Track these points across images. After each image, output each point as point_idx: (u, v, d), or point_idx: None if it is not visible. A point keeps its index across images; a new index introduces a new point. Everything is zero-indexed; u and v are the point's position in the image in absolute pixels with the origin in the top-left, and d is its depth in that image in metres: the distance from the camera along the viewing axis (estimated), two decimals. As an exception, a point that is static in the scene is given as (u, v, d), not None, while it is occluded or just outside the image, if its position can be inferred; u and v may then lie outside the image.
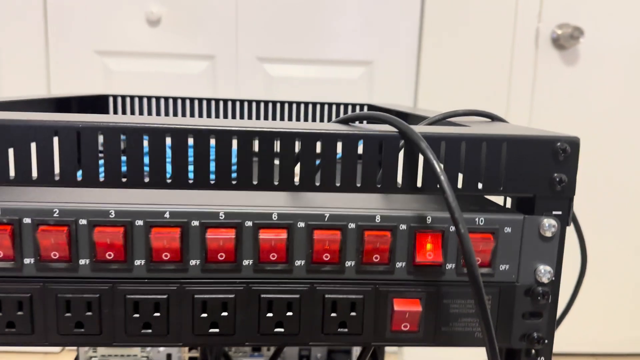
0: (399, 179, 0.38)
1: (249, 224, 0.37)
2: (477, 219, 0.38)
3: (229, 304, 0.37)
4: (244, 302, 0.37)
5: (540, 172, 0.38)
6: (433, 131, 0.38)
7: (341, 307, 0.38)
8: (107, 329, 0.37)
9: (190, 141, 0.36)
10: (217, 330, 0.37)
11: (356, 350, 0.75)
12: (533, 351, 0.40)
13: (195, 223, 0.36)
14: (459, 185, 0.38)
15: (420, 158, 0.37)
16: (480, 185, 0.38)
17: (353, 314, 0.38)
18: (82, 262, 0.36)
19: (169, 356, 0.71)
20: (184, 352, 0.71)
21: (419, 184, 0.38)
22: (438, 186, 0.35)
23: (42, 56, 1.46)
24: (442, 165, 0.36)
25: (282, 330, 0.38)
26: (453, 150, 0.38)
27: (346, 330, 0.38)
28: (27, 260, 0.36)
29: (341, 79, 1.49)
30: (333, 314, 0.38)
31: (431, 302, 0.39)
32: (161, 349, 0.71)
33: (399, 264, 0.38)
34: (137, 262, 0.36)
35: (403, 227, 0.38)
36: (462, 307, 0.39)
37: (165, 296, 0.37)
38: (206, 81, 1.48)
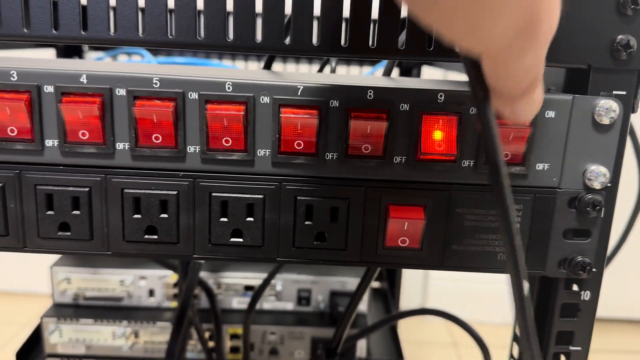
0: (401, 40, 0.28)
1: (193, 95, 0.27)
2: (507, 101, 0.28)
3: (170, 203, 0.28)
4: (189, 201, 0.28)
5: (598, 33, 0.27)
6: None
7: (318, 213, 0.28)
8: (14, 229, 0.28)
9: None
10: (155, 236, 0.29)
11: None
12: (575, 285, 0.30)
13: (122, 91, 0.27)
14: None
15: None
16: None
17: (334, 223, 0.29)
18: (-25, 139, 0.27)
19: (151, 292, 0.64)
20: (168, 288, 0.64)
21: (430, 44, 0.27)
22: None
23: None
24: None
25: (240, 240, 0.29)
26: None
27: (325, 244, 0.29)
28: None
29: None
30: (308, 222, 0.29)
31: (439, 211, 0.29)
32: (142, 283, 0.64)
33: (397, 158, 0.28)
34: (49, 143, 0.28)
35: (405, 106, 0.27)
36: (482, 220, 0.29)
37: (86, 189, 0.28)
38: None
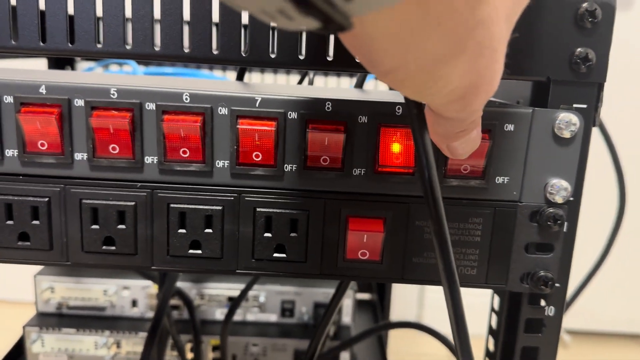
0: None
1: (150, 106, 0.27)
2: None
3: (128, 213, 0.28)
4: (147, 212, 0.28)
5: (556, 46, 0.27)
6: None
7: (278, 225, 0.28)
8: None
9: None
10: (112, 247, 0.28)
11: (347, 306, 0.65)
12: (542, 300, 0.30)
13: (79, 102, 0.27)
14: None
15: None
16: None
17: (293, 234, 0.28)
18: None
19: (134, 302, 0.64)
20: (151, 299, 0.64)
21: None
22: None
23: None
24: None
25: (199, 252, 0.29)
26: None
27: (284, 255, 0.29)
28: None
29: None
30: (267, 234, 0.28)
31: (399, 224, 0.28)
32: (125, 293, 0.63)
33: (356, 170, 0.28)
34: (9, 153, 0.28)
35: (363, 118, 0.27)
36: (442, 233, 0.29)
37: (45, 199, 0.28)
38: None
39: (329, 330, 0.60)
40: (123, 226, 0.28)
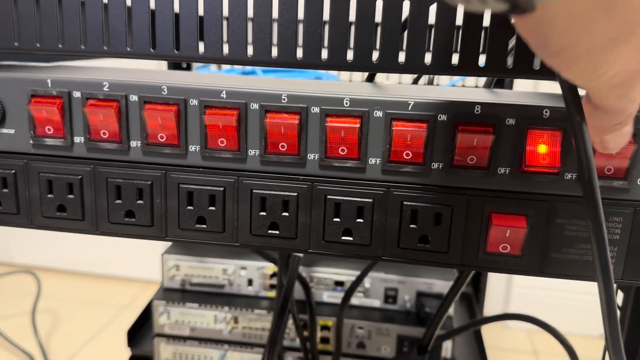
0: (509, 60, 0.29)
1: (315, 109, 0.31)
2: (612, 117, 0.29)
3: (291, 203, 0.32)
4: (307, 202, 0.32)
5: None
6: None
7: (423, 217, 0.31)
8: (159, 220, 0.33)
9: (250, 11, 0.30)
10: (276, 232, 0.33)
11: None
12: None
13: (255, 106, 0.31)
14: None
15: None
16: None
17: (438, 227, 0.31)
18: (133, 144, 0.32)
19: (250, 281, 0.69)
20: (265, 279, 0.69)
21: (536, 65, 0.29)
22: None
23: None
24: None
25: (350, 239, 0.32)
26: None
27: (428, 246, 0.31)
28: (77, 139, 0.33)
29: None
30: (413, 226, 0.31)
31: (541, 220, 0.30)
32: (243, 272, 0.69)
33: (501, 169, 0.30)
34: (192, 148, 0.32)
35: (510, 121, 0.29)
36: (582, 230, 0.30)
37: (221, 188, 0.32)
38: None
39: (434, 319, 0.63)
40: (287, 214, 0.32)
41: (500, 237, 0.30)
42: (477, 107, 0.29)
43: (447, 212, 0.31)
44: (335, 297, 0.69)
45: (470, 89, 0.34)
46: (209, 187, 0.32)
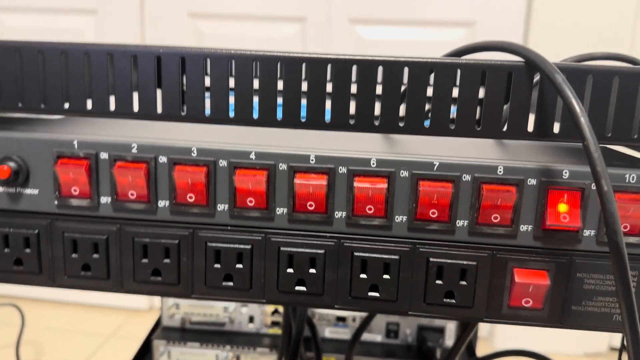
0: (529, 124, 0.31)
1: (342, 170, 0.31)
2: (627, 176, 0.30)
3: (318, 260, 0.33)
4: (334, 259, 0.33)
5: None
6: (574, 65, 0.30)
7: (449, 273, 0.32)
8: (185, 278, 0.33)
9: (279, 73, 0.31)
10: (303, 288, 0.33)
11: (450, 330, 0.68)
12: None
13: (283, 166, 0.32)
14: (607, 133, 0.31)
15: (559, 100, 0.30)
16: (636, 135, 0.30)
17: (463, 282, 0.32)
18: (161, 203, 0.33)
19: (251, 318, 0.69)
20: (266, 316, 0.69)
21: (556, 129, 0.31)
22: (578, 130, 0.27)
23: (136, 18, 1.49)
24: (582, 106, 0.28)
25: (376, 295, 0.33)
26: (600, 89, 0.30)
27: (453, 301, 0.32)
28: (103, 199, 0.33)
29: (440, 42, 1.39)
30: (438, 281, 0.32)
31: (561, 275, 0.32)
32: (244, 310, 0.69)
33: (523, 227, 0.31)
34: (220, 207, 0.33)
35: (532, 181, 0.31)
36: (600, 284, 0.32)
37: (249, 246, 0.33)
38: (297, 44, 1.44)
39: (437, 353, 0.63)
40: (314, 270, 0.33)
41: (523, 292, 0.31)
42: (500, 168, 0.31)
43: (472, 268, 0.32)
44: (337, 332, 0.69)
45: (490, 147, 0.36)
46: (236, 246, 0.33)
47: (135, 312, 1.65)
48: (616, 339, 1.53)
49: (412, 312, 0.33)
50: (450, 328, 0.68)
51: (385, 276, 0.32)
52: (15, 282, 0.35)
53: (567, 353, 1.49)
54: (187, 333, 0.69)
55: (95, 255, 0.33)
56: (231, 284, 0.33)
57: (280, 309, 0.69)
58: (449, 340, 0.68)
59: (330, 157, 0.31)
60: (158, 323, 0.82)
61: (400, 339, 0.69)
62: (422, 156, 0.31)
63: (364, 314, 0.68)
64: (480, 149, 0.34)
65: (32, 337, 1.40)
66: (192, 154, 0.32)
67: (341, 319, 0.69)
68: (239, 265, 0.33)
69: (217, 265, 0.33)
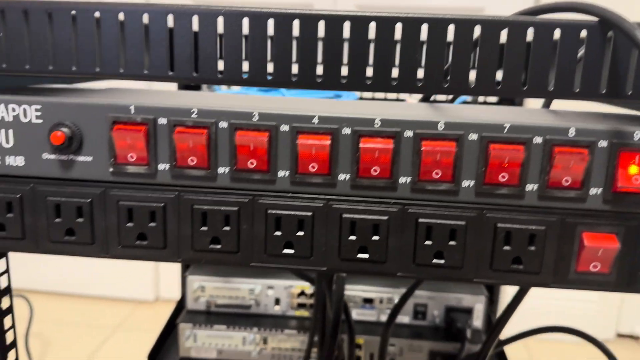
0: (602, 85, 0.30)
1: (409, 133, 0.31)
2: (699, 138, 0.30)
3: (381, 226, 0.32)
4: (398, 225, 0.32)
5: None
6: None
7: (517, 239, 0.31)
8: (245, 246, 0.33)
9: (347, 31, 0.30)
10: (366, 255, 0.32)
11: (478, 310, 0.68)
12: None
13: (347, 130, 0.31)
14: (680, 94, 0.30)
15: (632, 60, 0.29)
16: None
17: (531, 248, 0.31)
18: (221, 170, 0.32)
19: (277, 301, 0.68)
20: (292, 298, 0.68)
21: (629, 90, 0.30)
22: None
23: None
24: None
25: (441, 262, 0.32)
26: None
27: (521, 267, 0.32)
28: (161, 166, 0.32)
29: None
30: (506, 247, 0.32)
31: (631, 239, 0.31)
32: (270, 292, 0.68)
33: (593, 190, 0.31)
34: (281, 173, 0.32)
35: (603, 143, 0.30)
36: (671, 248, 0.31)
37: (310, 213, 0.32)
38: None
39: (468, 333, 0.63)
40: (377, 237, 0.32)
41: (592, 256, 0.31)
42: (572, 130, 0.30)
43: (541, 233, 0.31)
44: (365, 314, 0.69)
45: (565, 113, 0.35)
46: (297, 213, 0.32)
47: (141, 304, 1.64)
48: (623, 325, 1.54)
49: (478, 278, 0.32)
50: (479, 309, 0.68)
51: (451, 243, 0.32)
52: (66, 254, 0.34)
53: (574, 340, 1.49)
54: (213, 316, 0.68)
55: (152, 224, 0.33)
56: (292, 251, 0.33)
57: (307, 290, 0.68)
58: (477, 321, 0.68)
59: (397, 120, 0.31)
60: (179, 308, 0.81)
61: (428, 321, 0.69)
62: (492, 119, 0.31)
63: (391, 296, 0.68)
64: (549, 113, 0.33)
65: (39, 330, 1.38)
66: (254, 118, 0.31)
67: (368, 301, 0.68)
68: (300, 233, 0.32)
69: (278, 233, 0.32)
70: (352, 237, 0.32)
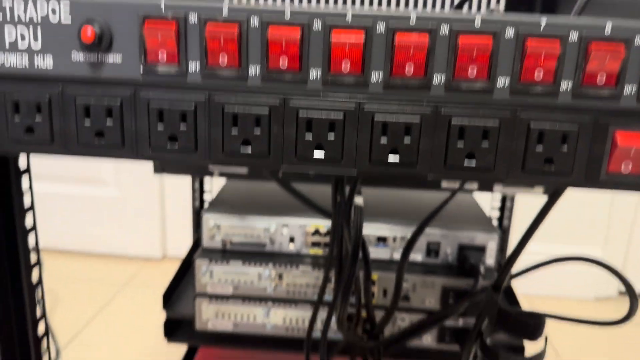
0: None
1: (445, 29, 0.30)
2: None
3: (413, 128, 0.32)
4: (430, 127, 0.32)
5: None
6: None
7: (549, 139, 0.31)
8: (275, 150, 0.33)
9: None
10: (397, 158, 0.32)
11: (491, 249, 0.68)
12: None
13: (382, 27, 0.31)
14: None
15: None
16: None
17: (563, 148, 0.31)
18: (252, 70, 0.32)
19: (291, 239, 0.69)
20: (307, 236, 0.69)
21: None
22: None
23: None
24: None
25: (473, 163, 0.32)
26: None
27: (552, 168, 0.32)
28: (192, 66, 0.32)
29: None
30: (539, 148, 0.32)
31: (664, 139, 0.31)
32: (284, 230, 0.68)
33: (628, 89, 0.31)
34: (313, 73, 0.32)
35: (639, 40, 0.30)
36: None
37: (341, 115, 0.32)
38: None
39: (481, 270, 0.64)
40: (408, 139, 0.32)
41: (624, 156, 0.31)
42: (608, 26, 0.30)
43: (574, 133, 0.31)
44: (378, 252, 0.69)
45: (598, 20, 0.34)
46: (329, 115, 0.32)
47: (149, 261, 1.65)
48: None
49: (509, 180, 0.32)
50: (491, 247, 0.69)
51: (484, 144, 0.32)
52: (96, 155, 0.34)
53: (578, 297, 1.52)
54: (228, 253, 0.69)
55: (183, 126, 0.32)
56: (322, 155, 0.33)
57: (321, 229, 0.69)
58: (490, 259, 0.69)
59: (433, 17, 0.30)
60: (195, 248, 0.82)
61: (441, 259, 0.69)
62: (527, 18, 0.30)
63: (405, 235, 0.69)
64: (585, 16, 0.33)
65: (48, 286, 1.40)
66: (286, 16, 0.31)
67: (382, 239, 0.69)
68: (331, 135, 0.32)
69: (309, 136, 0.32)
70: (384, 140, 0.32)
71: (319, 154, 0.33)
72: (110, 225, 1.64)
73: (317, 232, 0.69)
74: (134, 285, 1.49)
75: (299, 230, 0.69)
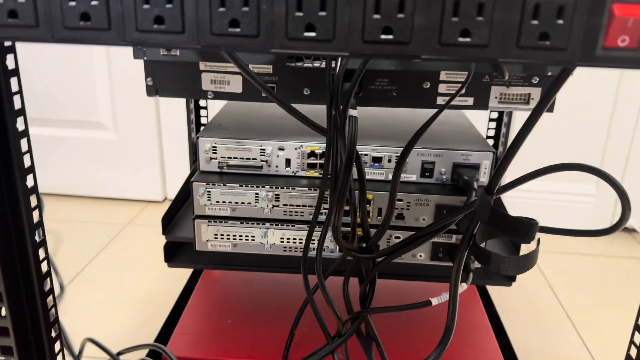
0: None
1: None
2: None
3: (407, 3, 0.31)
4: (425, 1, 0.31)
5: None
6: None
7: (545, 11, 0.31)
8: (265, 29, 0.32)
9: None
10: (390, 36, 0.32)
11: (485, 167, 0.68)
12: None
13: None
14: None
15: None
16: None
17: (559, 21, 0.31)
18: (239, -58, 0.31)
19: (287, 162, 0.69)
20: (303, 158, 0.68)
21: None
22: None
23: None
24: None
25: (468, 40, 0.32)
26: None
27: (547, 43, 0.31)
28: (178, -61, 0.31)
29: None
30: (534, 22, 0.31)
31: (663, 9, 0.30)
32: (280, 153, 0.68)
33: (627, -44, 0.30)
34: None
35: None
36: (703, 19, 0.30)
37: (332, -10, 0.31)
38: None
39: (475, 185, 0.64)
40: (402, 15, 0.31)
41: (621, 28, 0.30)
42: None
43: (570, 4, 0.30)
44: (373, 173, 0.70)
45: None
46: (320, -11, 0.31)
47: (150, 203, 1.67)
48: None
49: (503, 57, 0.32)
50: (485, 165, 0.69)
51: (479, 18, 0.31)
52: (83, 41, 0.33)
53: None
54: (225, 176, 0.69)
55: (169, 5, 0.32)
56: (313, 34, 0.32)
57: (317, 150, 0.69)
58: (484, 177, 0.69)
59: None
60: (192, 174, 0.82)
61: (435, 178, 0.69)
62: None
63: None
64: None
65: (50, 227, 1.41)
66: None
67: (377, 160, 0.69)
68: (322, 13, 0.31)
69: (299, 14, 0.32)
70: (377, 16, 0.31)
71: (310, 34, 0.32)
72: (110, 169, 1.64)
73: (313, 154, 0.69)
74: (135, 224, 1.51)
75: (295, 152, 0.69)
